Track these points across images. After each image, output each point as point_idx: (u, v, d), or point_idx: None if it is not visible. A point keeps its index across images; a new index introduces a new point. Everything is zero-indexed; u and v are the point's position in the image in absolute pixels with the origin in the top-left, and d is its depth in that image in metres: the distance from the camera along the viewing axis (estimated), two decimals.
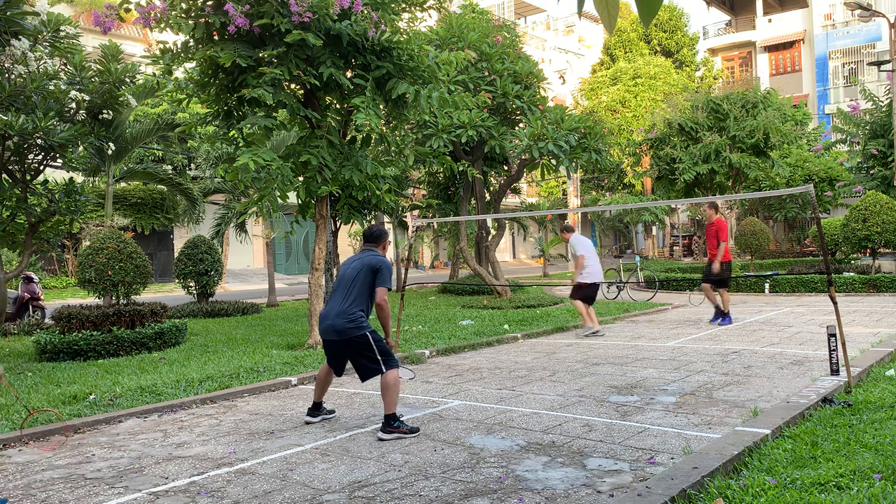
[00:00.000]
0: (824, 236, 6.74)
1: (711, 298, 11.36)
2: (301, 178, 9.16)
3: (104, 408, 6.37)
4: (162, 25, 8.23)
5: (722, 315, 11.25)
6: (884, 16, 20.92)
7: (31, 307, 14.18)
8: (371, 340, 5.40)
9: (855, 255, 19.03)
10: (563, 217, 38.28)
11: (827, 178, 25.65)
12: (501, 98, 14.74)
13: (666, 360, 8.09)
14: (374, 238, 5.88)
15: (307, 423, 5.78)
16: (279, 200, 9.12)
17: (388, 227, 24.07)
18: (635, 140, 26.39)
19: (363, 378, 5.54)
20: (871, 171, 22.54)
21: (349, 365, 5.71)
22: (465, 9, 16.16)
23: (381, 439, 5.19)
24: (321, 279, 9.69)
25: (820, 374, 6.78)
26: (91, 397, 6.65)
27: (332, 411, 5.96)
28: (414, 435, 5.24)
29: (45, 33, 9.65)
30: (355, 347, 5.42)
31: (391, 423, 5.25)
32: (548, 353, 9.10)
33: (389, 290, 5.57)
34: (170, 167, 25.07)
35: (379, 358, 5.38)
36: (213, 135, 10.61)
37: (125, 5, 8.21)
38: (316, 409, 5.83)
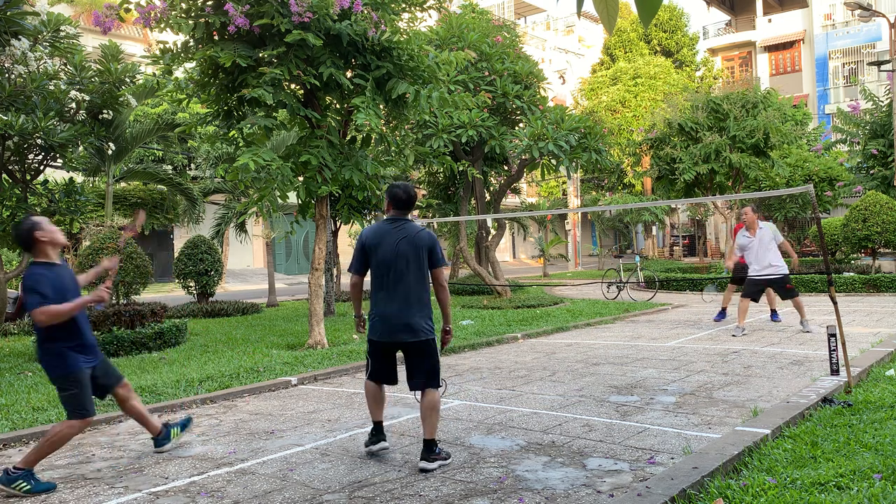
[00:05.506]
0: (824, 236, 6.74)
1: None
2: (301, 178, 9.16)
3: (104, 408, 6.36)
4: (162, 25, 8.23)
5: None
6: (884, 16, 20.93)
7: None
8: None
9: (855, 255, 19.02)
10: (564, 217, 38.24)
11: (827, 178, 25.60)
12: (501, 98, 14.73)
13: (666, 360, 8.10)
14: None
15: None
16: (279, 200, 9.11)
17: None
18: (635, 140, 26.35)
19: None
20: (871, 171, 22.54)
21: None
22: (465, 9, 16.15)
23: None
24: (321, 279, 9.69)
25: (820, 374, 6.78)
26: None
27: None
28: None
29: (45, 33, 9.65)
30: None
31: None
32: (548, 353, 9.10)
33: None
34: (170, 167, 25.03)
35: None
36: (213, 135, 10.60)
37: (125, 5, 8.21)
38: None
